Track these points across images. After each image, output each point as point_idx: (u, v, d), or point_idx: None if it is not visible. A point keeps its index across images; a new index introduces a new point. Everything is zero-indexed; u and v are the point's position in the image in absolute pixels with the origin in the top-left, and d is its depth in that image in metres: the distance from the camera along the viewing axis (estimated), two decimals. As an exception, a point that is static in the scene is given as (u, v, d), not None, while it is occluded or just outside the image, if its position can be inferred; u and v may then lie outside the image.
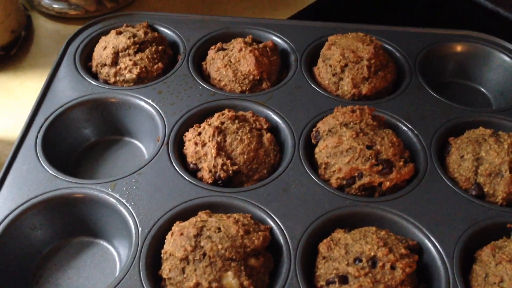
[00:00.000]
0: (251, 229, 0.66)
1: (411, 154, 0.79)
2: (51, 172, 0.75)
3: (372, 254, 0.63)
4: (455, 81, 1.00)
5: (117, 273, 0.70)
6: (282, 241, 0.68)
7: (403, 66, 0.95)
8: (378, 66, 0.89)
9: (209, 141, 0.77)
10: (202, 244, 0.62)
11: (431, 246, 0.68)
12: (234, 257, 0.62)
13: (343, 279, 0.63)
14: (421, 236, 0.69)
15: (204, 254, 0.62)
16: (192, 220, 0.66)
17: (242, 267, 0.63)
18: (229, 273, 0.62)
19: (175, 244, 0.63)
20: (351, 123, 0.78)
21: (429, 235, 0.68)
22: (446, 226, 0.70)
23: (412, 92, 0.89)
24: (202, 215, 0.68)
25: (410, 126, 0.83)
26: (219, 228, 0.64)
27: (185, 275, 0.62)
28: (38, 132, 0.80)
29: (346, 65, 0.89)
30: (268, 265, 0.66)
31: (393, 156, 0.75)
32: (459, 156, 0.77)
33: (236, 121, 0.80)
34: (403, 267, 0.62)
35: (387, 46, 0.97)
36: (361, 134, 0.76)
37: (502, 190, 0.73)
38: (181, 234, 0.64)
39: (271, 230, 0.69)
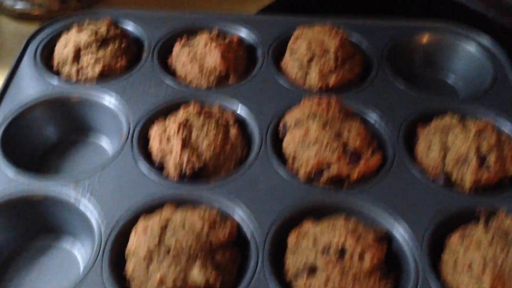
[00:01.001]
0: (217, 224, 0.64)
1: (380, 144, 0.79)
2: (10, 173, 0.72)
3: (340, 244, 0.62)
4: (422, 73, 1.00)
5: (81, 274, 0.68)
6: (249, 235, 0.66)
7: (370, 58, 0.94)
8: (345, 58, 0.89)
9: (174, 137, 0.75)
10: (166, 241, 0.61)
11: (400, 234, 0.67)
12: (199, 253, 0.60)
13: (312, 271, 0.62)
14: (390, 225, 0.68)
15: (168, 251, 0.60)
16: (157, 216, 0.64)
17: (208, 263, 0.61)
18: (195, 269, 0.60)
19: (138, 242, 0.62)
20: (318, 115, 0.77)
21: (398, 224, 0.68)
22: (415, 214, 0.69)
23: (379, 84, 0.89)
24: (167, 209, 0.66)
25: (378, 116, 0.82)
26: (183, 224, 0.62)
27: (149, 273, 0.60)
28: (-5, 133, 0.77)
29: (312, 58, 0.88)
30: (235, 260, 0.65)
31: (361, 147, 0.74)
32: (427, 145, 0.77)
33: (202, 116, 0.78)
34: (371, 256, 0.61)
35: (354, 38, 0.97)
36: (328, 126, 0.75)
37: (469, 178, 0.73)
38: (145, 231, 0.62)
39: (237, 225, 0.67)
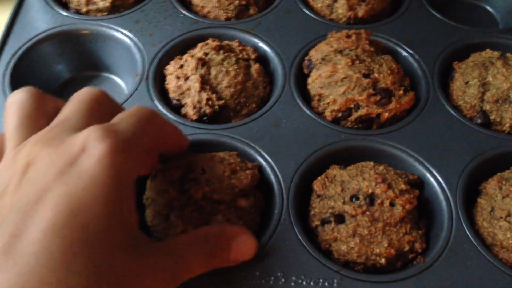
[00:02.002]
0: (238, 167, 0.61)
1: (412, 81, 0.73)
2: (21, 113, 0.68)
3: (370, 191, 0.59)
4: (462, -1, 0.92)
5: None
6: (273, 179, 0.63)
7: (403, -17, 0.86)
8: (377, -15, 0.81)
9: (192, 74, 0.70)
10: (186, 187, 0.57)
11: (433, 179, 0.63)
12: (221, 199, 0.57)
13: (340, 218, 0.59)
14: (422, 169, 0.64)
15: (190, 198, 0.57)
16: (175, 162, 0.61)
17: (232, 209, 0.58)
18: (218, 216, 0.57)
19: (156, 189, 0.59)
20: (347, 50, 0.71)
21: (431, 168, 0.64)
22: (448, 158, 0.65)
23: (412, 13, 0.82)
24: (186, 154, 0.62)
25: (410, 51, 0.76)
26: (203, 169, 0.59)
27: (169, 222, 0.57)
28: (6, 69, 0.73)
29: (341, -15, 0.81)
30: (259, 205, 0.62)
31: (392, 85, 0.69)
32: (464, 82, 0.72)
33: (221, 52, 0.73)
34: (403, 203, 0.58)
35: (385, -38, 0.88)
36: (357, 62, 0.69)
37: (510, 117, 0.68)
38: (164, 177, 0.59)
39: (260, 168, 0.64)
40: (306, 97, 0.72)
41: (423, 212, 0.62)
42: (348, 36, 0.72)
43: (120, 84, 0.81)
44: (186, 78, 0.70)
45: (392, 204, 0.58)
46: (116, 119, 0.46)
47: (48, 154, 0.41)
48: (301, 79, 0.74)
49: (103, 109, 0.49)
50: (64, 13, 0.81)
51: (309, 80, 0.72)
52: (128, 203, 0.42)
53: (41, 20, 0.80)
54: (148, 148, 0.47)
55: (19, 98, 0.48)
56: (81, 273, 0.37)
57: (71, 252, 0.37)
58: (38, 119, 0.47)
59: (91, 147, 0.40)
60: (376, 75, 0.69)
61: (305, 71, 0.74)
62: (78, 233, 0.37)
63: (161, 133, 0.51)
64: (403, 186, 0.60)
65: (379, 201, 0.58)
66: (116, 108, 0.50)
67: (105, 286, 0.38)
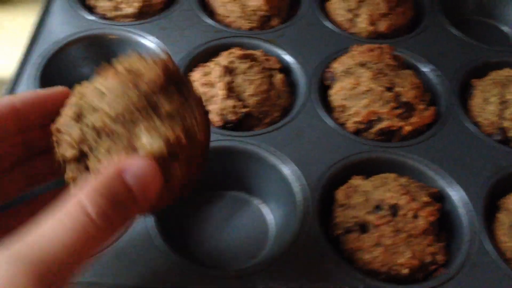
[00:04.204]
0: None
1: (432, 96, 0.75)
2: (49, 114, 0.69)
3: (394, 202, 0.60)
4: (475, 18, 0.94)
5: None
6: (296, 188, 0.64)
7: (422, 1, 0.88)
8: (397, 1, 0.83)
9: (217, 81, 0.71)
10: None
11: (454, 193, 0.64)
12: None
13: (363, 228, 0.60)
14: (443, 183, 0.65)
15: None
16: None
17: None
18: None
19: None
20: (369, 63, 0.73)
21: (452, 182, 0.65)
22: (469, 172, 0.66)
23: (432, 30, 0.84)
24: None
25: (430, 67, 0.78)
26: None
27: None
28: (33, 71, 0.74)
29: (362, 1, 0.83)
30: None
31: (414, 99, 0.70)
32: (483, 99, 0.73)
33: (246, 61, 0.74)
34: (426, 215, 0.59)
35: (405, -21, 0.90)
36: (381, 75, 0.71)
37: (528, 135, 0.69)
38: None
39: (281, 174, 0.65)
40: (327, 108, 0.74)
41: (442, 225, 0.63)
42: (371, 50, 0.74)
43: (143, 89, 0.82)
44: (212, 86, 0.72)
45: (415, 216, 0.59)
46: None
47: None
48: (322, 90, 0.75)
49: None
50: (91, 18, 0.82)
51: (331, 91, 0.74)
52: None
53: (68, 24, 0.81)
54: None
55: None
56: None
57: None
58: None
59: None
60: (399, 89, 0.70)
61: (327, 83, 0.75)
62: None
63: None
64: (425, 198, 0.61)
65: (402, 212, 0.59)
66: None
67: None
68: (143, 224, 0.60)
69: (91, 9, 0.85)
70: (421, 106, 0.70)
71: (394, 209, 0.60)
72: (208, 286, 0.56)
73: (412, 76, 0.72)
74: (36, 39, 0.78)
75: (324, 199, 0.64)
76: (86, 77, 0.81)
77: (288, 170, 0.65)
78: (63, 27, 0.81)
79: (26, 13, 1.04)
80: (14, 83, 0.73)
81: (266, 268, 0.57)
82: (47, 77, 0.75)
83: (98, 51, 0.81)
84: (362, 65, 0.73)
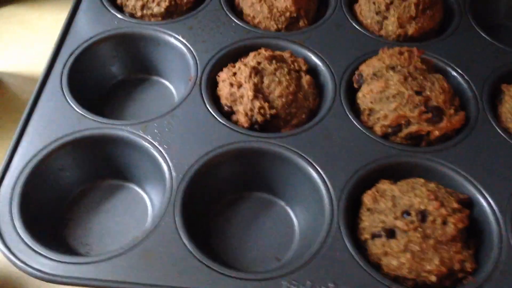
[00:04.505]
0: None
1: (461, 101, 0.74)
2: (79, 110, 0.70)
3: (422, 207, 0.59)
4: (506, 23, 0.93)
5: (149, 218, 0.68)
6: (324, 190, 0.64)
7: (451, 5, 0.87)
8: (427, 4, 0.82)
9: (245, 82, 0.71)
10: None
11: (483, 200, 0.63)
12: None
13: (391, 233, 0.59)
14: (472, 189, 0.64)
15: None
16: None
17: None
18: None
19: None
20: (399, 66, 0.72)
21: (481, 189, 0.64)
22: (498, 179, 0.65)
23: (461, 34, 0.83)
24: None
25: (460, 71, 0.77)
26: None
27: None
28: (63, 68, 0.75)
29: (391, 3, 0.82)
30: None
31: (444, 103, 0.69)
32: (513, 104, 0.72)
33: (274, 61, 0.74)
34: (455, 222, 0.58)
35: (435, -18, 0.89)
36: (410, 79, 0.70)
37: (560, 143, 0.68)
38: None
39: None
40: (355, 111, 0.73)
41: (471, 232, 0.62)
42: (401, 53, 0.73)
43: (169, 87, 0.83)
44: (239, 86, 0.72)
45: (444, 222, 0.59)
46: None
47: None
48: (350, 92, 0.75)
49: None
50: (119, 16, 0.83)
51: (359, 94, 0.73)
52: None
53: (97, 22, 0.82)
54: None
55: None
56: None
57: None
58: None
59: None
60: (428, 93, 0.69)
61: (355, 85, 0.75)
62: None
63: None
64: (455, 205, 0.60)
65: (431, 218, 0.59)
66: None
67: None
68: (171, 224, 0.60)
69: (120, 8, 0.86)
70: (451, 111, 0.69)
71: (422, 215, 0.59)
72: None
73: (442, 80, 0.72)
74: (65, 37, 0.79)
75: (351, 202, 0.64)
76: (114, 75, 0.83)
77: (315, 173, 0.65)
78: (92, 25, 0.81)
79: (54, 11, 1.05)
80: (44, 81, 0.74)
81: (291, 271, 0.57)
82: (76, 74, 0.76)
83: (127, 49, 0.81)
84: (391, 68, 0.72)
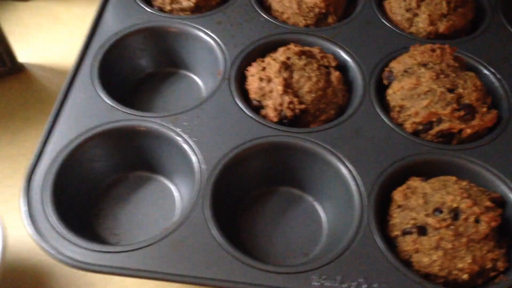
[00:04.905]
0: None
1: (493, 100, 0.73)
2: (109, 102, 0.71)
3: (455, 205, 0.59)
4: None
5: (177, 210, 0.68)
6: (353, 186, 0.63)
7: (483, 3, 0.86)
8: (458, 2, 0.81)
9: (275, 77, 0.71)
10: None
11: (515, 199, 0.63)
12: None
13: (422, 230, 0.59)
14: (505, 188, 0.64)
15: None
16: None
17: None
18: None
19: None
20: (430, 63, 0.72)
21: (513, 188, 0.63)
22: (531, 179, 0.64)
23: (493, 32, 0.82)
24: None
25: (492, 69, 0.76)
26: None
27: None
28: (94, 61, 0.76)
29: (423, 0, 0.81)
30: None
31: (476, 101, 0.68)
32: (547, 104, 0.71)
33: (303, 57, 0.74)
34: (488, 220, 0.58)
35: (467, -21, 0.88)
36: (442, 76, 0.70)
37: None
38: None
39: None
40: (384, 108, 0.73)
41: (504, 231, 0.62)
42: (433, 50, 0.72)
43: (198, 81, 0.83)
44: (269, 80, 0.72)
45: (477, 221, 0.58)
46: None
47: None
48: (379, 89, 0.75)
49: None
50: (149, 10, 0.83)
51: (389, 91, 0.73)
52: None
53: (127, 15, 0.82)
54: None
55: None
56: None
57: None
58: None
59: None
60: (461, 90, 0.68)
61: (385, 82, 0.74)
62: None
63: None
64: (488, 203, 0.59)
65: (464, 216, 0.58)
66: None
67: None
68: (201, 215, 0.60)
69: (149, 2, 0.86)
70: (483, 109, 0.69)
71: (455, 213, 0.58)
72: (261, 281, 0.56)
73: (474, 78, 0.71)
74: (95, 30, 0.80)
75: (381, 199, 0.64)
76: (143, 68, 0.83)
77: (345, 168, 0.65)
78: (122, 18, 0.82)
79: (81, 4, 1.06)
80: (75, 72, 0.74)
81: (322, 265, 0.57)
82: (106, 67, 0.76)
83: (156, 43, 0.82)
84: (423, 65, 0.72)
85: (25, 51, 0.95)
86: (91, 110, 0.70)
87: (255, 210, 0.69)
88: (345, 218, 0.63)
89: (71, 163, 0.65)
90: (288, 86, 0.71)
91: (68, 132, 0.67)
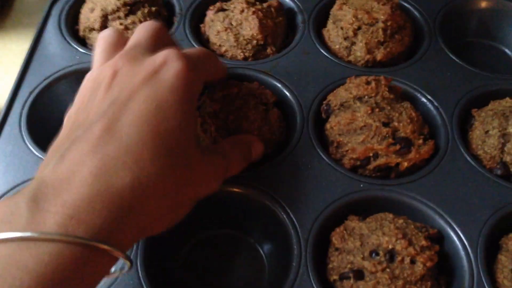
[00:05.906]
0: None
1: (431, 128, 0.72)
2: (38, 154, 0.68)
3: (390, 246, 0.58)
4: (477, 41, 0.92)
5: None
6: (291, 230, 0.62)
7: (421, 26, 0.86)
8: (395, 28, 0.81)
9: (209, 119, 0.70)
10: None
11: (453, 234, 0.62)
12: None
13: (359, 274, 0.58)
14: (442, 222, 0.63)
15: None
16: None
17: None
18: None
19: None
20: (366, 97, 0.71)
21: (451, 222, 0.63)
22: (469, 211, 0.64)
23: (431, 57, 0.81)
24: None
25: (429, 97, 0.75)
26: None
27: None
28: (22, 108, 0.73)
29: (359, 28, 0.81)
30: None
31: (412, 134, 0.68)
32: (484, 131, 0.71)
33: (239, 96, 0.72)
34: (424, 261, 0.57)
35: (404, 3, 0.88)
36: (377, 110, 0.69)
37: (531, 171, 0.67)
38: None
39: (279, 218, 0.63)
40: (324, 142, 0.72)
41: (442, 268, 0.61)
42: (368, 83, 0.72)
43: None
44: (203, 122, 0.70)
45: (412, 261, 0.57)
46: (183, 50, 0.56)
47: (132, 66, 0.51)
48: (319, 123, 0.74)
49: (166, 39, 0.59)
50: (82, 50, 0.81)
51: (327, 126, 0.72)
52: (194, 112, 0.53)
53: (58, 56, 0.80)
54: (206, 74, 0.59)
55: (105, 33, 0.60)
56: (167, 156, 0.46)
57: (158, 137, 0.46)
58: (119, 46, 0.57)
59: (170, 63, 0.50)
60: (396, 123, 0.68)
61: (323, 115, 0.74)
62: (162, 124, 0.46)
63: (215, 67, 0.64)
64: (424, 242, 0.59)
65: (399, 258, 0.57)
66: (173, 42, 0.61)
67: (182, 168, 0.48)
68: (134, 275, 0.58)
69: (82, 40, 0.84)
70: (419, 141, 0.68)
71: (391, 254, 0.58)
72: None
73: (410, 109, 0.70)
74: (25, 72, 0.77)
75: (320, 241, 0.63)
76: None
77: (283, 212, 0.64)
78: (54, 60, 0.79)
79: (18, 40, 1.03)
80: (2, 120, 0.72)
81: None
82: (36, 112, 0.74)
83: (90, 85, 0.79)
84: (358, 99, 0.71)
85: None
86: (18, 164, 0.67)
87: (197, 255, 0.67)
88: (286, 261, 0.62)
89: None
90: (222, 128, 0.69)
91: (-7, 189, 0.65)
